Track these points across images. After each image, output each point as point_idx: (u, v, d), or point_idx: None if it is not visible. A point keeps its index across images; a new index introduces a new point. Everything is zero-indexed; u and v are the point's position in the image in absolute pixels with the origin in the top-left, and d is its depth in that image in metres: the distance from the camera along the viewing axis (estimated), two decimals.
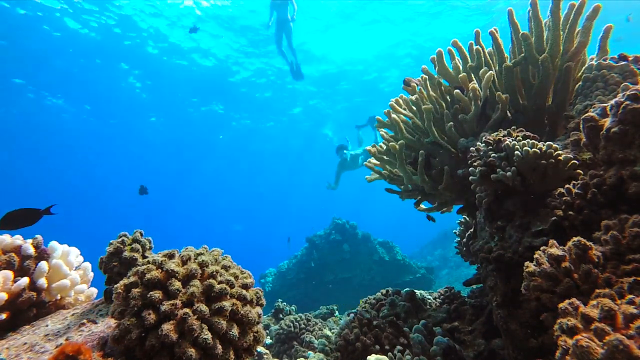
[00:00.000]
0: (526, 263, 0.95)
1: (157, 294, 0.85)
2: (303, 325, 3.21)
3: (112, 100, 14.47)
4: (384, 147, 2.00)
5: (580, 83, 1.57)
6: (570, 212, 1.10)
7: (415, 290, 2.01)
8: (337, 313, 4.06)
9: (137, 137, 18.33)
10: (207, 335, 0.84)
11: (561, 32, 1.55)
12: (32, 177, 23.17)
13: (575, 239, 0.87)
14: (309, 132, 18.26)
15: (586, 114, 1.13)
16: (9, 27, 9.73)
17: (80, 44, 10.90)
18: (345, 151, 7.21)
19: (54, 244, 1.28)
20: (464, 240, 2.11)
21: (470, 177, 1.42)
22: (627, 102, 0.96)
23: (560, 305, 0.73)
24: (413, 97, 1.88)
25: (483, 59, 1.77)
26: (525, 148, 1.19)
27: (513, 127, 1.44)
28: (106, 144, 19.14)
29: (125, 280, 0.90)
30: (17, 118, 14.69)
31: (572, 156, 1.18)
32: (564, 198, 1.13)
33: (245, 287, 0.99)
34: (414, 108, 1.89)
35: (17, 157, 18.87)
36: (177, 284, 0.89)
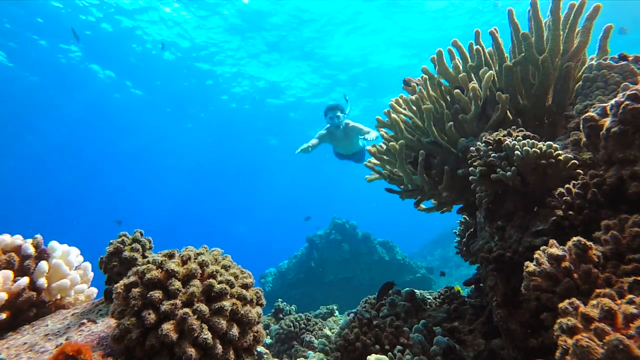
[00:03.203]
0: (526, 263, 0.95)
1: (157, 294, 0.85)
2: (303, 325, 3.21)
3: (114, 99, 14.46)
4: (384, 147, 2.00)
5: (580, 83, 1.56)
6: (570, 212, 1.10)
7: (415, 290, 2.01)
8: (337, 313, 4.06)
9: (140, 136, 18.32)
10: (207, 335, 0.84)
11: (561, 32, 1.55)
12: (33, 176, 23.18)
13: (575, 238, 0.87)
14: (308, 131, 18.23)
15: (586, 114, 1.13)
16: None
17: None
18: (340, 114, 4.31)
19: (54, 243, 1.28)
20: (464, 240, 2.11)
21: (470, 177, 1.42)
22: (627, 102, 0.96)
23: (560, 305, 0.73)
24: (413, 97, 1.87)
25: (483, 58, 1.77)
26: (525, 148, 1.19)
27: (513, 127, 1.44)
28: (108, 144, 19.14)
29: (125, 280, 0.90)
30: (18, 116, 14.71)
31: (572, 156, 1.18)
32: (564, 198, 1.13)
33: (245, 286, 0.99)
34: (414, 108, 1.89)
35: (18, 156, 18.87)
36: (177, 284, 0.89)
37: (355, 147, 4.85)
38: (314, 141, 4.43)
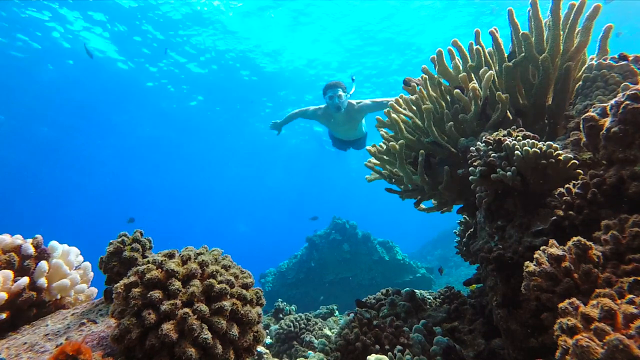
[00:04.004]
0: (526, 263, 0.95)
1: (157, 294, 0.85)
2: (303, 325, 3.21)
3: (114, 98, 14.43)
4: (384, 146, 2.00)
5: (580, 83, 1.57)
6: (570, 212, 1.10)
7: (415, 290, 2.01)
8: (337, 313, 4.06)
9: (140, 135, 18.31)
10: (207, 335, 0.84)
11: (561, 32, 1.55)
12: (32, 175, 23.18)
13: (575, 238, 0.87)
14: (310, 133, 18.26)
15: (586, 114, 1.13)
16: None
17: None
18: (342, 93, 3.54)
19: (54, 243, 1.28)
20: (464, 240, 2.11)
21: (470, 177, 1.42)
22: (627, 102, 0.96)
23: (560, 305, 0.73)
24: (413, 97, 1.88)
25: (483, 58, 1.77)
26: (525, 148, 1.19)
27: (513, 126, 1.44)
28: (108, 143, 19.13)
29: (125, 280, 0.90)
30: (19, 116, 14.70)
31: (572, 156, 1.18)
32: (564, 198, 1.13)
33: (245, 286, 0.99)
34: (414, 108, 1.89)
35: (18, 155, 18.87)
36: (177, 284, 0.89)
37: (358, 133, 4.01)
38: (294, 112, 3.78)
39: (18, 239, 1.22)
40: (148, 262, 0.93)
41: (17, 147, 17.70)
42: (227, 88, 14.22)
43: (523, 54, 1.61)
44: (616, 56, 1.48)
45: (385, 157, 2.02)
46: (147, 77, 13.28)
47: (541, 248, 0.95)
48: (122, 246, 1.17)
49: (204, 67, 12.83)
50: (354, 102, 3.71)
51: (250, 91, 14.44)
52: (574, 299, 0.72)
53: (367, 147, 2.10)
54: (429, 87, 1.83)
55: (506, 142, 1.28)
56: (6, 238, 1.20)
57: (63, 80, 12.62)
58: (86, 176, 24.76)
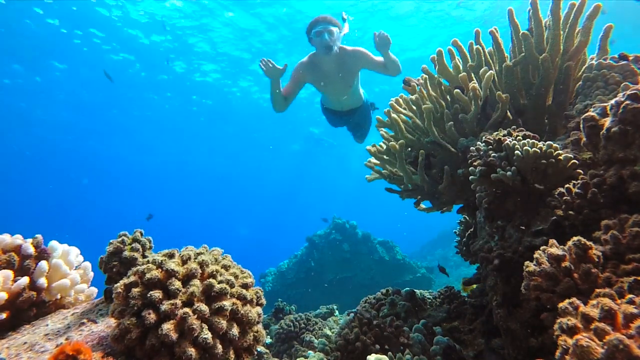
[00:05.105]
0: (526, 263, 0.95)
1: (157, 294, 0.85)
2: (303, 325, 3.21)
3: (113, 96, 14.41)
4: (384, 146, 2.00)
5: (580, 82, 1.57)
6: (571, 212, 1.10)
7: (415, 290, 2.01)
8: (337, 313, 4.06)
9: (139, 137, 18.30)
10: (207, 334, 0.84)
11: (561, 32, 1.55)
12: (32, 175, 23.17)
13: (575, 238, 0.87)
14: (310, 134, 18.25)
15: (586, 114, 1.13)
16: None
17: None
18: (333, 29, 2.65)
19: (54, 243, 1.28)
20: (464, 240, 2.11)
21: (470, 177, 1.42)
22: (627, 102, 0.96)
23: (560, 304, 0.73)
24: (413, 97, 1.87)
25: (483, 58, 1.77)
26: (525, 148, 1.19)
27: (513, 126, 1.44)
28: (108, 143, 19.13)
29: (125, 280, 0.90)
30: (17, 115, 14.69)
31: (572, 156, 1.18)
32: (564, 198, 1.13)
33: (245, 286, 0.99)
34: (414, 107, 1.89)
35: (17, 154, 18.86)
36: (177, 284, 0.89)
37: (356, 98, 3.13)
38: (289, 85, 2.85)
39: (18, 239, 1.22)
40: (148, 261, 0.93)
41: (17, 145, 17.70)
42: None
43: (523, 54, 1.61)
44: (616, 56, 1.48)
45: (385, 157, 2.02)
46: (147, 76, 13.26)
47: (541, 248, 0.95)
48: (122, 246, 1.17)
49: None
50: (347, 47, 2.87)
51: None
52: (574, 299, 0.72)
53: (367, 147, 2.09)
54: (429, 87, 1.83)
55: (506, 142, 1.28)
56: (6, 238, 1.19)
57: (68, 78, 12.58)
58: (86, 175, 24.76)
